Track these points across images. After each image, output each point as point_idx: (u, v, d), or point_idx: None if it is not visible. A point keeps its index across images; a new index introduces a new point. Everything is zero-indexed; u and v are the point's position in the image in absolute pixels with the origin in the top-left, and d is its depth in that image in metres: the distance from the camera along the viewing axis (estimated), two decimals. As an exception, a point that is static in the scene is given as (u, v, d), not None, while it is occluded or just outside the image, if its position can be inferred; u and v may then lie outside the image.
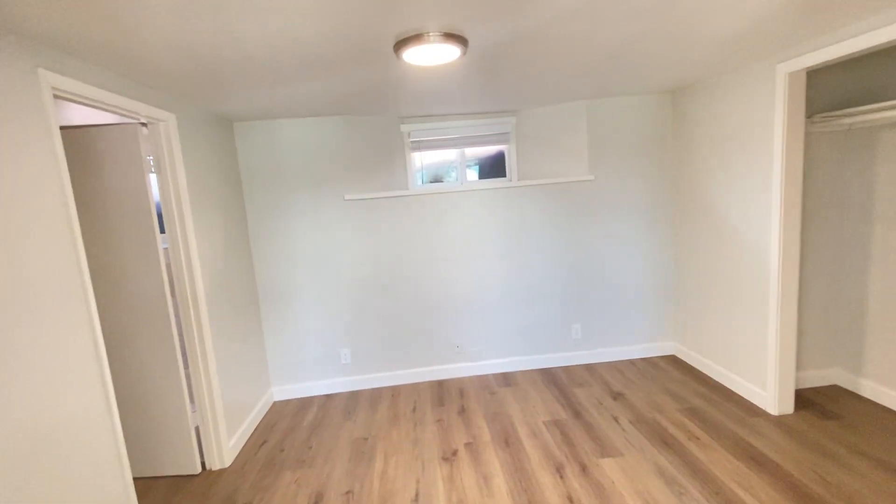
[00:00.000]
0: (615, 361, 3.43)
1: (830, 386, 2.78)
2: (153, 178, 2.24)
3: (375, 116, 3.12)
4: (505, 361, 3.40)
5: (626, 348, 3.46)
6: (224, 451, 2.40)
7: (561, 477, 2.12)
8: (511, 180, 3.34)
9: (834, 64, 2.49)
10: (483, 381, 3.25)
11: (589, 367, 3.35)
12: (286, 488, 2.20)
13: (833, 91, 2.53)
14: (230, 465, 2.43)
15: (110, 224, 2.12)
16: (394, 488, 2.14)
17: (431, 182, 3.40)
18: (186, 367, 2.63)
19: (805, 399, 2.65)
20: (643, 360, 3.42)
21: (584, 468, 2.18)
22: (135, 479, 2.34)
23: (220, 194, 2.66)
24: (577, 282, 3.36)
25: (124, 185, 2.10)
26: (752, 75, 2.45)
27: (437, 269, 3.25)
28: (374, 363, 3.29)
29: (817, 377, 2.79)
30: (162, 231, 2.32)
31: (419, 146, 3.23)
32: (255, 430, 2.82)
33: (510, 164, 3.35)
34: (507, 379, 3.26)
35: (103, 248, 2.14)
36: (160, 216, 2.24)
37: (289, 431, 2.76)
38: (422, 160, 3.32)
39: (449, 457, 2.36)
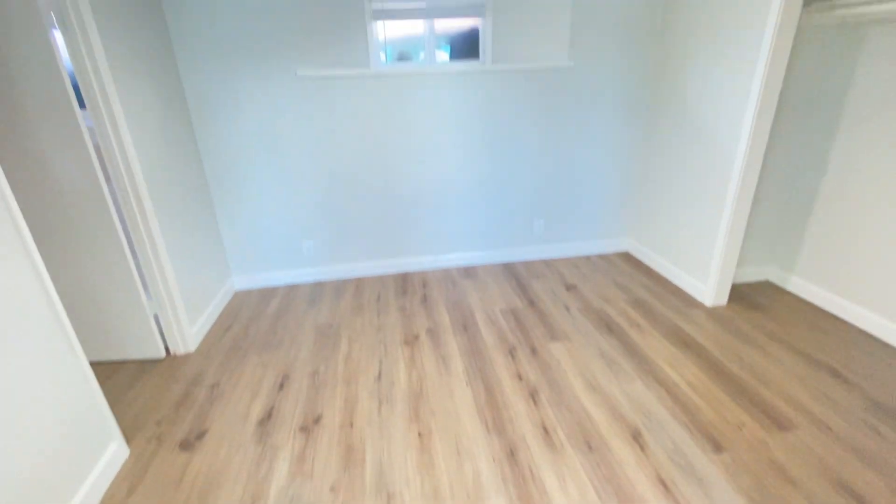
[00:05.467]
0: (572, 257, 3.57)
1: (763, 281, 3.04)
2: (59, 39, 1.88)
3: (330, -26, 2.65)
4: (468, 255, 3.47)
5: (583, 244, 3.58)
6: (187, 336, 2.43)
7: (513, 358, 2.31)
8: (484, 63, 3.05)
9: (845, -59, 2.23)
10: (446, 274, 3.34)
11: (547, 262, 3.49)
12: (253, 369, 2.29)
13: (836, -25, 2.32)
14: (195, 350, 2.48)
15: (14, 95, 1.81)
16: (358, 368, 2.27)
17: (397, 61, 3.07)
18: (136, 256, 2.53)
19: (739, 292, 2.89)
20: (599, 256, 3.58)
21: (534, 350, 2.36)
22: (99, 363, 2.37)
23: (148, 63, 2.29)
24: (545, 176, 3.31)
25: (23, 43, 1.75)
26: (757, -52, 2.18)
27: (401, 159, 3.10)
28: (337, 255, 3.28)
29: (753, 273, 3.02)
30: (82, 106, 2.02)
31: (383, 14, 2.83)
32: (219, 317, 2.84)
33: (484, 43, 3.02)
34: (469, 272, 3.36)
35: (8, 125, 1.85)
36: (77, 89, 1.92)
37: (253, 318, 2.81)
38: (385, 32, 2.94)
39: (410, 341, 2.49)
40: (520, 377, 2.16)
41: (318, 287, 3.20)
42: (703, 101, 2.65)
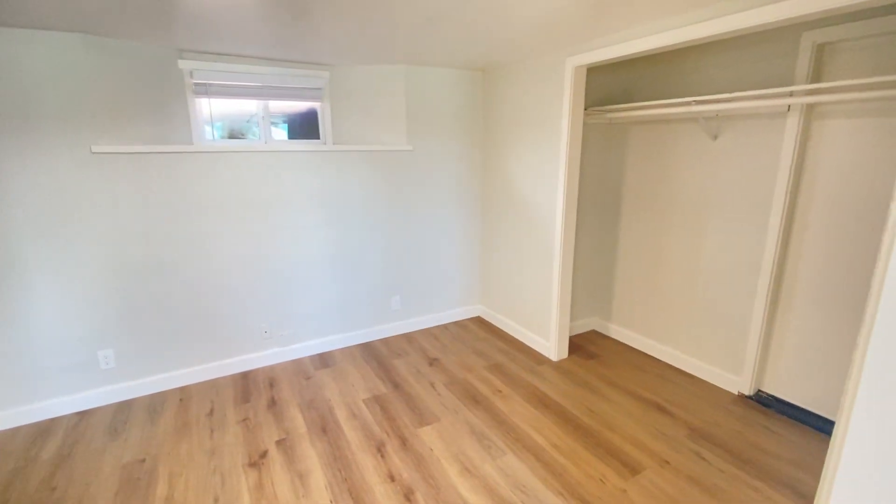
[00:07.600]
0: (431, 328, 3.58)
1: (590, 331, 3.47)
2: None
3: (141, 43, 2.36)
4: (322, 341, 3.17)
5: (440, 314, 3.64)
6: None
7: (382, 456, 2.08)
8: (325, 143, 3.02)
9: (604, 65, 2.94)
10: (298, 366, 2.97)
11: (407, 336, 3.41)
12: (8, 559, 1.57)
13: (600, 89, 3.01)
14: None
15: None
16: (184, 516, 1.75)
17: (227, 138, 2.82)
18: None
19: (574, 344, 3.24)
20: (455, 323, 3.66)
21: (404, 442, 2.18)
22: None
23: None
24: (397, 252, 3.32)
25: None
26: (548, 64, 2.71)
27: (235, 243, 2.75)
28: (151, 363, 2.63)
29: (581, 325, 3.44)
30: None
31: (206, 90, 2.60)
32: (-50, 482, 1.95)
33: (324, 125, 3.02)
34: (324, 360, 3.06)
35: None
36: None
37: (16, 473, 1.99)
38: (211, 109, 2.70)
39: (257, 461, 2.06)
40: (392, 478, 1.94)
41: (123, 408, 2.49)
42: (524, 181, 3.05)
